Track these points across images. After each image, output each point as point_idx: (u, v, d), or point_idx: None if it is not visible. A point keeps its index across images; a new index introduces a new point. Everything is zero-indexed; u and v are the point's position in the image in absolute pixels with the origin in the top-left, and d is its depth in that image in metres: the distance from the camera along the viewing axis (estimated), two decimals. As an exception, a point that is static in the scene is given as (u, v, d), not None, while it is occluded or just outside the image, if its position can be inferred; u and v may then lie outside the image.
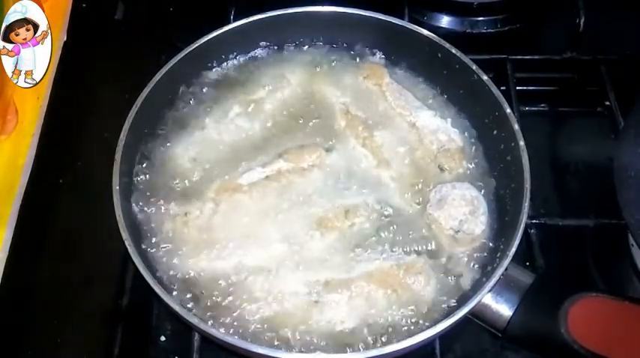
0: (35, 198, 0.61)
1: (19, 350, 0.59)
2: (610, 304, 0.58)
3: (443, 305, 0.61)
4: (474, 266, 0.63)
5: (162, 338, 0.67)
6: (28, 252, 0.62)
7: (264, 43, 0.77)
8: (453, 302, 0.61)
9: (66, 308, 0.65)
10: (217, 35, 0.73)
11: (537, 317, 0.58)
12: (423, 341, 0.56)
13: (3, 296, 0.57)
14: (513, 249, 0.59)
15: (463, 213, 0.64)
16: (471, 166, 0.69)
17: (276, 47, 0.77)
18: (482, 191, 0.67)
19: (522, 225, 0.60)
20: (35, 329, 0.61)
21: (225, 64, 0.77)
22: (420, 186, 0.68)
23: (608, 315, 0.58)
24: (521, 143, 0.64)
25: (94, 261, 0.68)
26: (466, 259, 0.64)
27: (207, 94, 0.74)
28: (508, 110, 0.66)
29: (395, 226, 0.65)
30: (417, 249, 0.64)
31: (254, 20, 0.74)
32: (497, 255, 0.61)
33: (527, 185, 0.62)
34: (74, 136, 0.70)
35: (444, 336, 0.59)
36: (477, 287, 0.60)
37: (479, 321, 0.60)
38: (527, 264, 0.69)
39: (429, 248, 0.64)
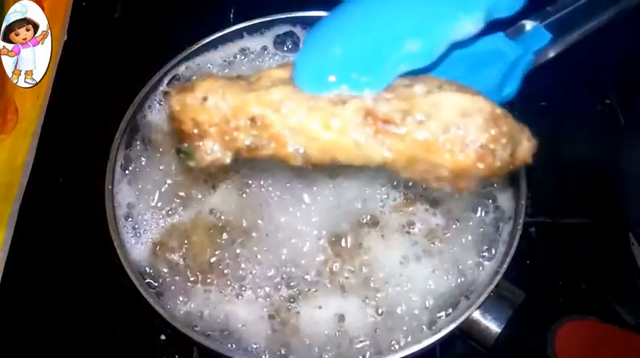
0: (35, 198, 0.62)
1: (19, 349, 0.59)
2: (598, 328, 0.58)
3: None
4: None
5: (163, 338, 0.67)
6: (28, 252, 0.62)
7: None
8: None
9: (65, 307, 0.65)
10: (219, 37, 0.73)
11: (525, 337, 0.59)
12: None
13: (3, 296, 0.58)
14: (505, 266, 0.59)
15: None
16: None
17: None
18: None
19: (514, 248, 0.60)
20: (35, 328, 0.61)
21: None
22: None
23: (595, 339, 0.58)
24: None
25: (93, 260, 0.68)
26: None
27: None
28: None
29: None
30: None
31: (255, 23, 0.74)
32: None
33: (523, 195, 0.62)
34: (74, 136, 0.70)
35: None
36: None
37: (466, 337, 0.60)
38: (528, 262, 0.69)
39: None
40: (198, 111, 0.40)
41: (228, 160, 0.41)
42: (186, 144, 0.41)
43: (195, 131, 0.40)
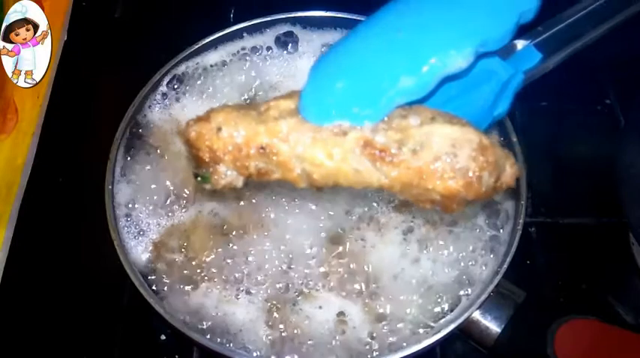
0: (35, 198, 0.61)
1: (19, 349, 0.59)
2: (598, 328, 0.58)
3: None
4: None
5: (163, 338, 0.68)
6: (28, 252, 0.62)
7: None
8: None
9: (65, 307, 0.65)
10: (219, 37, 0.73)
11: (525, 337, 0.59)
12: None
13: (3, 296, 0.57)
14: (505, 266, 0.59)
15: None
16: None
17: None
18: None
19: (514, 248, 0.60)
20: (35, 328, 0.61)
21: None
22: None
23: (595, 339, 0.58)
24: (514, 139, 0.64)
25: (93, 260, 0.68)
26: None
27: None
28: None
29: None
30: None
31: (255, 23, 0.74)
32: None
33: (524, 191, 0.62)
34: (74, 136, 0.70)
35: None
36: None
37: (466, 337, 0.60)
38: (528, 262, 0.69)
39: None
40: (213, 140, 0.44)
41: (240, 184, 0.46)
42: (203, 170, 0.45)
43: (211, 157, 0.44)
